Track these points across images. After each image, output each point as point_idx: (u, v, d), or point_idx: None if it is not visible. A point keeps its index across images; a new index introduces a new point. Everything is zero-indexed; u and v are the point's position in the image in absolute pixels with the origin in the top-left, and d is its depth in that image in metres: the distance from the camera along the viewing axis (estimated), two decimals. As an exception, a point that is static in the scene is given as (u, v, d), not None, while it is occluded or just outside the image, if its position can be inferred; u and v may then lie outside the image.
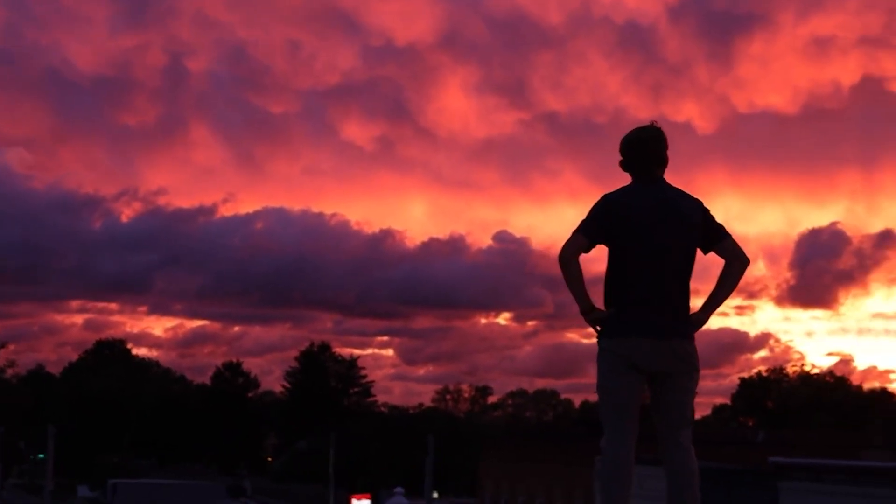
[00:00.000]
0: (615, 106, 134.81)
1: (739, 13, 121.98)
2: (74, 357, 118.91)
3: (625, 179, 6.53)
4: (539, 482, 52.58)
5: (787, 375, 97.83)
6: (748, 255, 6.42)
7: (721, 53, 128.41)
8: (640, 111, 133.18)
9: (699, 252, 6.43)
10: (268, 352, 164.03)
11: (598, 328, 6.30)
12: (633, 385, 6.20)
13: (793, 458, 39.71)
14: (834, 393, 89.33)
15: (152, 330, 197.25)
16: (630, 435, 6.18)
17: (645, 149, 6.41)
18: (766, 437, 53.34)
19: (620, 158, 6.52)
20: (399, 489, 39.68)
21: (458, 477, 76.64)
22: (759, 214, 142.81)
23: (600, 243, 6.29)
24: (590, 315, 6.26)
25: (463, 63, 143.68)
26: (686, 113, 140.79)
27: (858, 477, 34.47)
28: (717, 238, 6.40)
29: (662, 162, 6.43)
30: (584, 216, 6.30)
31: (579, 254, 6.23)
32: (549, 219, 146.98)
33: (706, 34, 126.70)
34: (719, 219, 6.46)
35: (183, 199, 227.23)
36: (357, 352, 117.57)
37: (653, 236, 6.21)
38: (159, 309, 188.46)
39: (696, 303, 6.46)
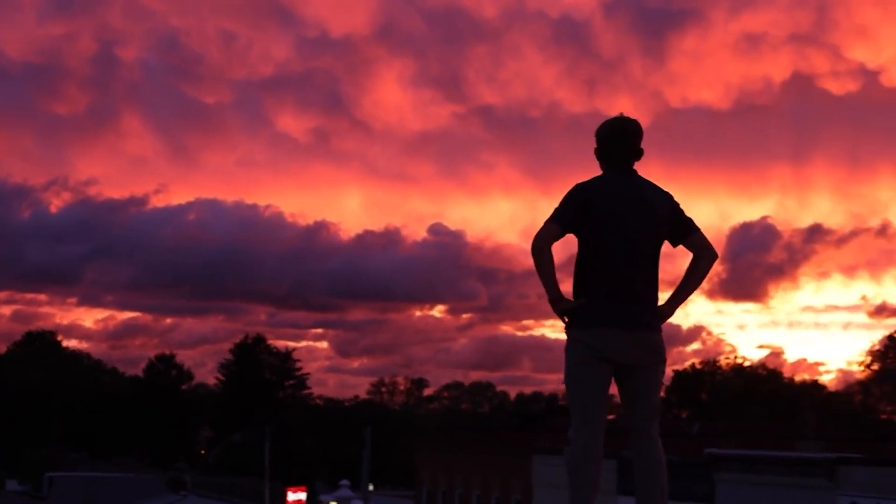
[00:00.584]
0: (550, 100, 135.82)
1: (672, 9, 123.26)
2: (3, 349, 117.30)
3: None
4: (476, 473, 52.60)
5: (720, 368, 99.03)
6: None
7: (654, 49, 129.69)
8: (575, 105, 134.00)
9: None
10: (200, 344, 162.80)
11: (566, 319, 6.27)
12: (602, 376, 6.19)
13: (728, 450, 40.09)
14: (766, 385, 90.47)
15: (82, 322, 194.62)
16: (599, 426, 6.18)
17: (623, 140, 6.38)
18: (700, 429, 53.89)
19: (595, 147, 6.48)
20: (345, 481, 39.51)
21: (394, 469, 76.66)
22: (692, 208, 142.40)
23: (572, 232, 6.27)
24: (558, 305, 6.23)
25: (398, 56, 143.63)
26: (620, 107, 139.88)
27: (793, 467, 34.92)
28: (687, 232, 6.43)
29: (638, 154, 6.42)
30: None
31: (552, 242, 6.19)
32: (484, 212, 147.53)
33: (640, 30, 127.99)
34: None
35: (114, 190, 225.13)
36: (291, 344, 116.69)
37: (626, 228, 6.21)
38: (90, 300, 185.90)
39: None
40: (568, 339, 6.29)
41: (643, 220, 6.25)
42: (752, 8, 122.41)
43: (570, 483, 6.16)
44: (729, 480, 36.65)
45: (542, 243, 6.15)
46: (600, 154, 6.47)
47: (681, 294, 6.45)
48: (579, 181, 6.40)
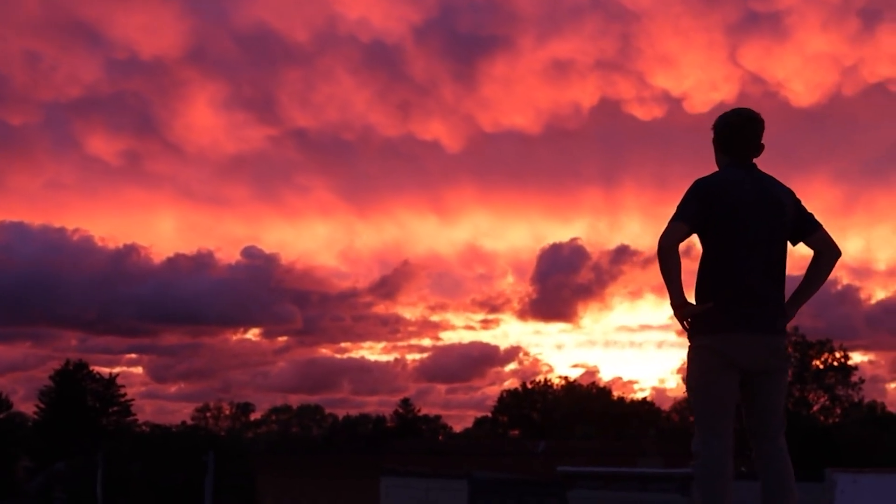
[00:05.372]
0: (363, 123, 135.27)
1: (482, 35, 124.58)
2: None
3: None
4: (322, 496, 52.10)
5: (551, 387, 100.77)
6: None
7: (466, 74, 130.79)
8: (389, 129, 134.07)
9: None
10: (9, 371, 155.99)
11: (687, 324, 5.97)
12: (731, 383, 5.90)
13: (582, 468, 40.68)
14: (596, 403, 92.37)
15: None
16: (729, 436, 5.87)
17: (743, 132, 6.10)
18: (546, 447, 54.49)
19: (713, 138, 6.20)
20: None
21: (228, 494, 75.30)
22: (507, 231, 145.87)
23: (697, 231, 5.95)
24: (682, 309, 5.90)
25: (210, 78, 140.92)
26: (433, 132, 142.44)
27: (648, 483, 35.67)
28: (811, 229, 6.14)
29: (758, 149, 6.13)
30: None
31: (679, 243, 5.85)
32: (300, 234, 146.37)
33: (451, 55, 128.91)
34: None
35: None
36: (105, 370, 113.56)
37: (756, 225, 5.91)
38: None
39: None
40: (692, 346, 6.00)
41: (771, 217, 5.96)
42: (559, 36, 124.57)
43: (702, 500, 5.84)
44: (582, 498, 37.15)
45: (669, 243, 5.81)
46: (719, 146, 6.19)
47: (803, 295, 6.18)
48: (700, 177, 6.04)
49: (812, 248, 6.20)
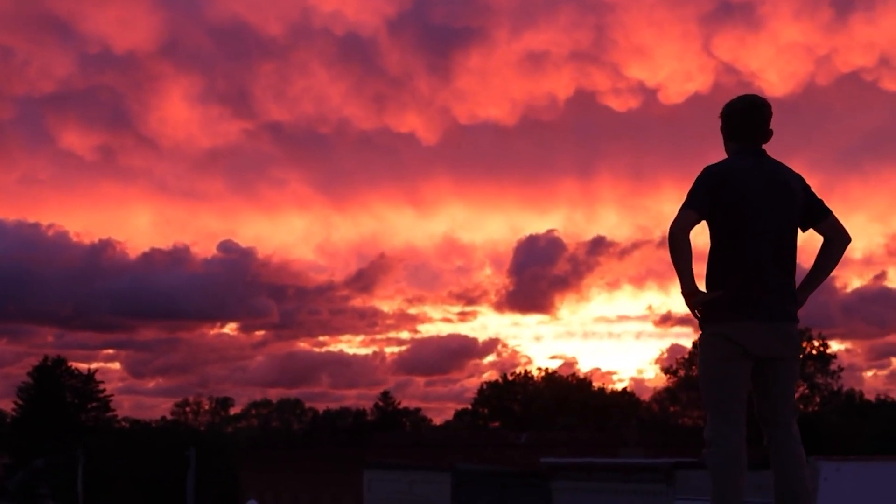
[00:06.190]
0: (339, 117, 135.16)
1: (457, 27, 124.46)
2: None
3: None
4: (305, 490, 52.10)
5: (531, 378, 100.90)
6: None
7: (441, 66, 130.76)
8: (364, 122, 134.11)
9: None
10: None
11: (698, 312, 5.93)
12: (744, 371, 5.88)
13: (565, 458, 40.75)
14: (576, 394, 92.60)
15: None
16: (742, 424, 5.88)
17: (749, 118, 6.07)
18: (528, 439, 54.57)
19: (721, 126, 6.19)
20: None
21: (209, 490, 75.30)
22: (484, 223, 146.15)
23: (706, 219, 5.93)
24: (693, 298, 5.85)
25: (184, 72, 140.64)
26: (409, 124, 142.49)
27: (632, 474, 35.74)
28: (821, 215, 6.11)
29: (766, 135, 6.10)
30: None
31: (689, 230, 5.82)
32: (276, 228, 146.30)
33: (425, 47, 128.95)
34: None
35: None
36: (82, 366, 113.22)
37: (766, 213, 5.89)
38: None
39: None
40: (703, 335, 5.96)
41: (781, 204, 5.94)
42: (534, 27, 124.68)
43: (715, 489, 5.87)
44: (565, 489, 37.21)
45: (679, 231, 5.78)
46: (727, 134, 6.16)
47: (814, 281, 6.17)
48: (709, 164, 6.04)
49: (822, 234, 6.17)
